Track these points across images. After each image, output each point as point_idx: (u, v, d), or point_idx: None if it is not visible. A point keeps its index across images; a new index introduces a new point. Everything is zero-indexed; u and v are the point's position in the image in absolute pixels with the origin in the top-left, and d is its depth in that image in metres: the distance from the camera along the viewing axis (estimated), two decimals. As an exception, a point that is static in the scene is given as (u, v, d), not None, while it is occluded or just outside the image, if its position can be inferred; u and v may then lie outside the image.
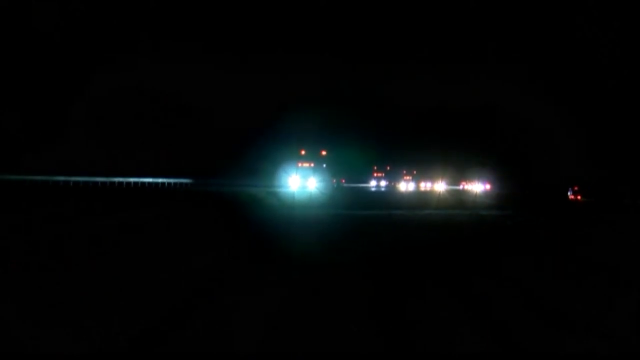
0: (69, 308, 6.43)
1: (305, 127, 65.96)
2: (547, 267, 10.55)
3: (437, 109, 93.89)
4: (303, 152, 57.78)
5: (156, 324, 6.00)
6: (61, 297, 6.94)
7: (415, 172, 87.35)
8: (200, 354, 5.22)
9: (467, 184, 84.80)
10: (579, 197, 47.47)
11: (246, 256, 10.97)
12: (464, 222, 21.09)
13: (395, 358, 5.32)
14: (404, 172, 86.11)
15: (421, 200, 39.89)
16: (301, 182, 53.09)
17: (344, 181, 73.33)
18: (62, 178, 47.18)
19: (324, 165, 58.61)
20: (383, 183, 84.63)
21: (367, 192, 58.22)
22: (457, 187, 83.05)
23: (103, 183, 49.30)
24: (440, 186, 75.89)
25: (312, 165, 57.22)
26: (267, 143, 69.31)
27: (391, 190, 67.55)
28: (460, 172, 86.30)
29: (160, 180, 53.90)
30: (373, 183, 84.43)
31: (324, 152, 59.41)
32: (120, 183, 50.81)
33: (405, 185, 79.45)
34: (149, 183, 53.41)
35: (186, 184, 56.25)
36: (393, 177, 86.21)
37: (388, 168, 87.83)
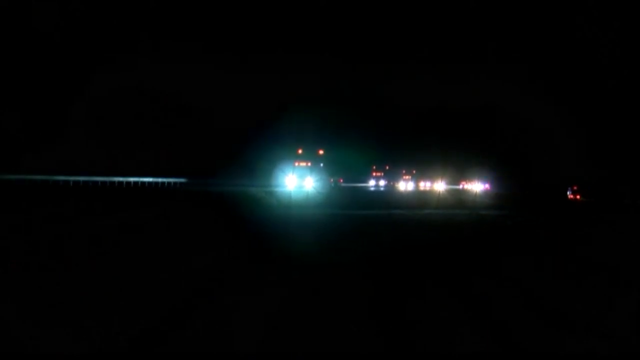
0: (69, 308, 6.43)
1: (303, 127, 65.99)
2: (547, 267, 10.55)
3: (437, 109, 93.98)
4: (300, 152, 57.68)
5: (156, 324, 6.00)
6: (61, 297, 6.94)
7: (414, 171, 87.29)
8: (200, 354, 5.22)
9: (467, 183, 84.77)
10: (578, 197, 47.49)
11: (246, 256, 10.97)
12: (463, 222, 21.09)
13: (395, 358, 5.32)
14: (403, 171, 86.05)
15: (421, 199, 39.87)
16: (298, 181, 52.98)
17: (341, 181, 73.28)
18: (62, 178, 47.16)
19: (321, 165, 58.51)
20: (382, 183, 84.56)
21: (365, 191, 58.12)
22: (457, 187, 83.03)
23: (103, 183, 49.30)
24: (439, 186, 75.86)
25: (309, 164, 57.12)
26: (265, 142, 69.33)
27: (390, 190, 67.48)
28: (460, 171, 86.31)
29: (150, 179, 53.77)
30: (372, 183, 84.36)
31: (321, 152, 59.29)
32: (120, 183, 50.82)
33: (405, 185, 79.41)
34: (148, 183, 53.40)
35: (180, 183, 56.12)
36: (392, 176, 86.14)
37: (387, 167, 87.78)
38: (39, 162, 51.23)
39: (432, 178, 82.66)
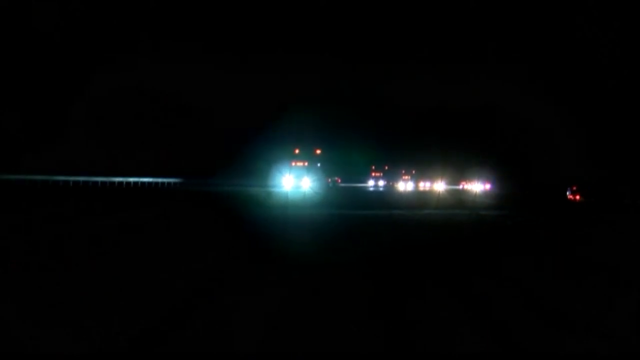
0: (69, 308, 6.43)
1: (300, 127, 65.85)
2: (547, 267, 10.55)
3: (437, 109, 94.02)
4: (297, 151, 57.48)
5: (156, 324, 5.99)
6: (61, 297, 6.94)
7: (414, 171, 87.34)
8: (200, 354, 5.22)
9: (466, 183, 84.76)
10: (577, 197, 47.48)
11: (245, 256, 10.97)
12: (463, 222, 21.09)
13: (396, 358, 5.32)
14: (403, 171, 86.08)
15: (420, 200, 39.88)
16: (295, 181, 52.75)
17: (339, 181, 73.23)
18: (62, 178, 47.12)
19: (318, 165, 58.33)
20: (381, 183, 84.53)
21: (363, 191, 57.99)
22: (457, 187, 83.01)
23: (103, 183, 49.28)
24: (439, 186, 75.85)
25: (306, 164, 56.92)
26: (262, 142, 69.23)
27: (389, 190, 67.42)
28: (460, 171, 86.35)
29: (149, 180, 53.66)
30: (371, 183, 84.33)
31: (318, 151, 59.12)
32: (120, 183, 50.80)
33: (404, 185, 79.38)
34: (147, 183, 53.37)
35: (178, 183, 55.97)
36: (391, 176, 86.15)
37: (386, 168, 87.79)
38: (39, 162, 51.22)
39: (431, 178, 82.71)
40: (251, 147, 71.45)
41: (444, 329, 6.09)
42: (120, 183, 50.76)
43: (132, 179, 52.21)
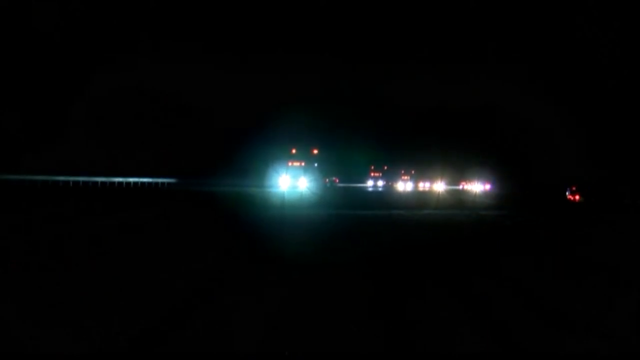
0: (69, 308, 6.43)
1: (298, 126, 65.61)
2: (547, 267, 10.55)
3: (437, 109, 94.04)
4: (294, 151, 57.22)
5: (156, 324, 6.00)
6: (61, 297, 6.94)
7: (413, 171, 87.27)
8: (200, 354, 5.22)
9: (466, 184, 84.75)
10: (577, 197, 47.52)
11: (245, 256, 10.96)
12: (463, 222, 21.09)
13: (396, 358, 5.32)
14: (402, 171, 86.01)
15: (420, 200, 39.87)
16: (291, 181, 52.44)
17: (337, 181, 73.13)
18: (62, 178, 47.11)
19: (315, 165, 58.07)
20: (380, 183, 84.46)
21: (362, 192, 57.83)
22: (457, 187, 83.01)
23: (103, 183, 49.28)
24: (439, 186, 75.84)
25: (303, 164, 56.67)
26: (259, 142, 69.06)
27: (388, 190, 67.34)
28: (460, 172, 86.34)
29: (148, 180, 53.60)
30: (370, 183, 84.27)
31: (315, 151, 58.85)
32: (120, 183, 50.80)
33: (403, 185, 79.36)
34: (146, 183, 53.37)
35: (176, 184, 55.86)
36: (391, 177, 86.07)
37: (385, 168, 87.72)
38: (39, 162, 51.19)
39: (431, 178, 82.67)
40: (248, 147, 71.38)
41: (444, 329, 6.09)
42: (120, 183, 50.75)
43: (132, 179, 52.20)
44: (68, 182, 47.12)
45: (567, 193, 48.65)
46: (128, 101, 73.32)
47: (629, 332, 6.22)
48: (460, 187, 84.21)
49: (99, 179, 49.51)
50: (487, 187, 76.81)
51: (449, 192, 62.27)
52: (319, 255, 11.28)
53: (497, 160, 79.80)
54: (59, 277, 8.18)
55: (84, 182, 47.94)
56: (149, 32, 79.18)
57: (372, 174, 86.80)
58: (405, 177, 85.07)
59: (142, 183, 52.92)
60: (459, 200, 42.45)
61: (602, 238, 16.52)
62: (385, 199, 41.57)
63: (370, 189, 69.23)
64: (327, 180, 65.51)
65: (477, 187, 77.07)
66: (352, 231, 16.52)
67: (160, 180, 55.06)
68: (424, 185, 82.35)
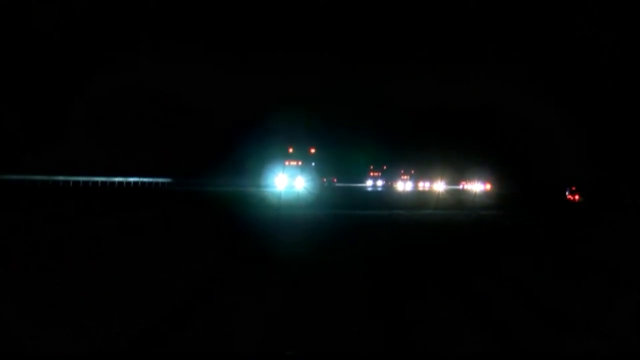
0: (69, 308, 6.43)
1: (295, 126, 65.30)
2: (547, 267, 10.55)
3: (437, 109, 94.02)
4: (291, 150, 56.90)
5: (156, 324, 6.00)
6: (61, 297, 6.94)
7: (413, 171, 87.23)
8: (200, 354, 5.22)
9: (466, 183, 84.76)
10: (576, 197, 47.56)
11: (245, 256, 10.96)
12: (463, 222, 21.09)
13: (396, 358, 5.32)
14: (402, 171, 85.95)
15: (419, 200, 39.86)
16: (288, 181, 52.14)
17: (335, 181, 73.00)
18: (62, 178, 47.09)
19: (313, 164, 57.79)
20: (379, 183, 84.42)
21: (360, 191, 57.69)
22: (457, 187, 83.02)
23: (103, 183, 49.28)
24: (439, 186, 75.83)
25: (300, 163, 56.38)
26: (256, 141, 68.85)
27: (388, 190, 67.28)
28: (460, 172, 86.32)
29: (147, 180, 53.53)
30: (369, 183, 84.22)
31: (312, 150, 58.55)
32: (121, 183, 50.80)
33: (403, 185, 79.34)
34: (142, 183, 53.37)
35: (169, 183, 55.72)
36: (390, 176, 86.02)
37: (385, 167, 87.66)
38: (39, 162, 51.09)
39: (431, 178, 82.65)
40: (245, 146, 71.25)
41: (444, 329, 6.09)
42: (121, 183, 50.75)
43: (132, 179, 52.19)
44: (68, 182, 47.11)
45: (566, 193, 48.69)
46: (128, 101, 73.27)
47: (629, 332, 6.22)
48: (460, 187, 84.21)
49: (99, 179, 49.50)
50: (487, 187, 76.82)
51: (448, 192, 62.26)
52: (320, 256, 11.27)
53: (497, 160, 79.79)
54: (59, 277, 8.18)
55: (84, 182, 47.93)
56: (149, 32, 79.08)
57: (372, 174, 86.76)
58: (405, 177, 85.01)
59: (143, 183, 52.88)
60: (458, 200, 42.45)
61: (602, 238, 16.53)
62: (384, 198, 41.55)
63: (369, 189, 69.17)
64: (325, 179, 65.34)
65: (477, 187, 77.07)
66: (349, 231, 16.51)
67: (159, 180, 54.99)
68: (423, 185, 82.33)
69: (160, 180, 55.16)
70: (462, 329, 6.11)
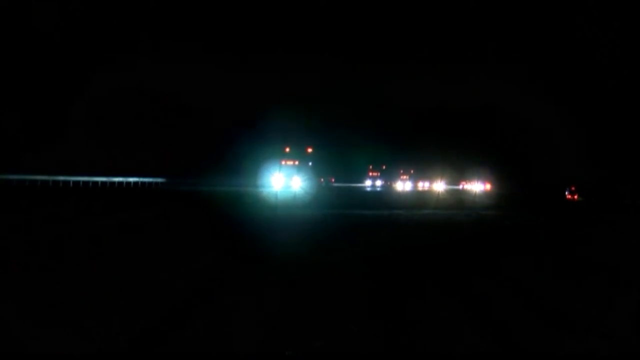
0: (69, 308, 6.42)
1: (293, 125, 65.03)
2: (547, 267, 10.55)
3: (437, 109, 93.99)
4: (287, 150, 56.59)
5: (156, 324, 5.99)
6: (61, 297, 6.93)
7: (412, 171, 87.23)
8: (200, 354, 5.22)
9: (466, 183, 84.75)
10: (575, 197, 47.60)
11: (245, 256, 10.96)
12: (463, 222, 21.08)
13: (396, 358, 5.32)
14: (401, 171, 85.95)
15: (419, 200, 39.84)
16: (285, 181, 51.77)
17: (333, 180, 72.87)
18: (62, 178, 47.09)
19: (310, 164, 57.49)
20: (378, 183, 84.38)
21: (359, 191, 57.50)
22: (457, 187, 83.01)
23: (103, 183, 49.27)
24: (439, 186, 75.82)
25: (297, 163, 56.05)
26: (253, 141, 68.63)
27: (387, 190, 67.22)
28: (460, 171, 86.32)
29: (146, 180, 53.46)
30: (368, 183, 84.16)
31: (309, 150, 58.25)
32: (121, 183, 50.80)
33: (402, 185, 79.32)
34: (142, 183, 53.38)
35: (165, 183, 55.59)
36: (389, 176, 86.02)
37: (384, 167, 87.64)
38: (39, 162, 51.12)
39: (430, 178, 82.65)
40: (242, 146, 71.12)
41: (444, 329, 6.09)
42: (121, 183, 50.74)
43: (132, 179, 52.18)
44: (68, 182, 47.11)
45: (566, 193, 48.72)
46: (128, 101, 73.27)
47: (629, 332, 6.22)
48: (460, 186, 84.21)
49: (99, 179, 49.49)
50: (487, 186, 76.83)
51: (448, 192, 62.25)
52: (320, 256, 11.26)
53: (497, 160, 79.83)
54: (59, 277, 8.18)
55: (84, 182, 47.93)
56: (149, 32, 79.16)
57: (371, 174, 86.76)
58: (404, 177, 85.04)
59: (143, 183, 52.87)
60: (458, 200, 42.45)
61: (602, 238, 16.53)
62: (383, 198, 41.51)
63: (368, 189, 69.08)
64: (322, 179, 65.16)
65: (477, 187, 77.07)
66: (348, 231, 16.49)
67: (158, 180, 54.95)
68: (423, 185, 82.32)
69: (160, 180, 55.12)
70: (462, 329, 6.11)
